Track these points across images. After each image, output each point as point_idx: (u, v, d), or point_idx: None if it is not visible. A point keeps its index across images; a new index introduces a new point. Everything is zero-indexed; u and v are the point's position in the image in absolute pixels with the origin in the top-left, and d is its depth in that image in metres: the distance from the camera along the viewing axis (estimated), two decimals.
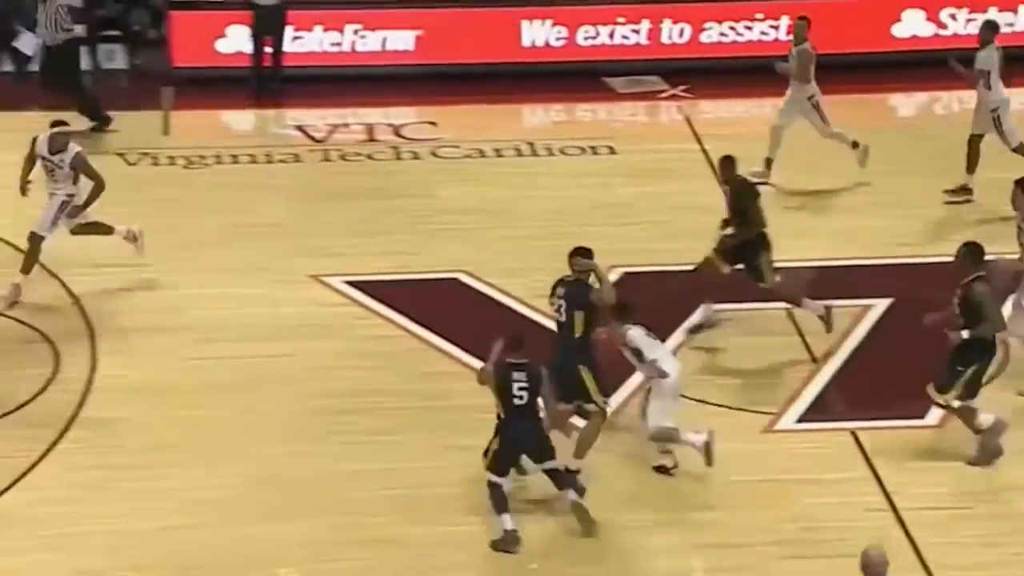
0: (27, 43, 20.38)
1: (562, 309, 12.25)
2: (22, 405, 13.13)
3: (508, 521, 11.60)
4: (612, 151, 18.69)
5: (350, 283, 15.27)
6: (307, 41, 20.69)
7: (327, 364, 13.89)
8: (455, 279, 15.48)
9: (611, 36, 21.08)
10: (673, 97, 20.34)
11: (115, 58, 21.10)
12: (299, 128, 19.44)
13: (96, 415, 13.10)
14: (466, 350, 14.08)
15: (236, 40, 20.53)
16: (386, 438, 12.85)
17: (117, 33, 21.12)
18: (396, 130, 19.37)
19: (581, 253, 12.51)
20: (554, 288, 12.39)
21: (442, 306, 14.94)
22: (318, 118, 19.66)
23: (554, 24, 21.03)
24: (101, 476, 12.29)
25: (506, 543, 11.57)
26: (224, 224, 16.53)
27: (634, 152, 18.54)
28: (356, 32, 20.76)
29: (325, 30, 20.74)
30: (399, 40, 20.80)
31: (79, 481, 12.23)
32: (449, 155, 18.68)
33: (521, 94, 20.28)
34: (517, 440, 11.69)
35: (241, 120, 20.18)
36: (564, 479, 11.83)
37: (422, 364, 14.00)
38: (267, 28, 20.29)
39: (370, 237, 16.31)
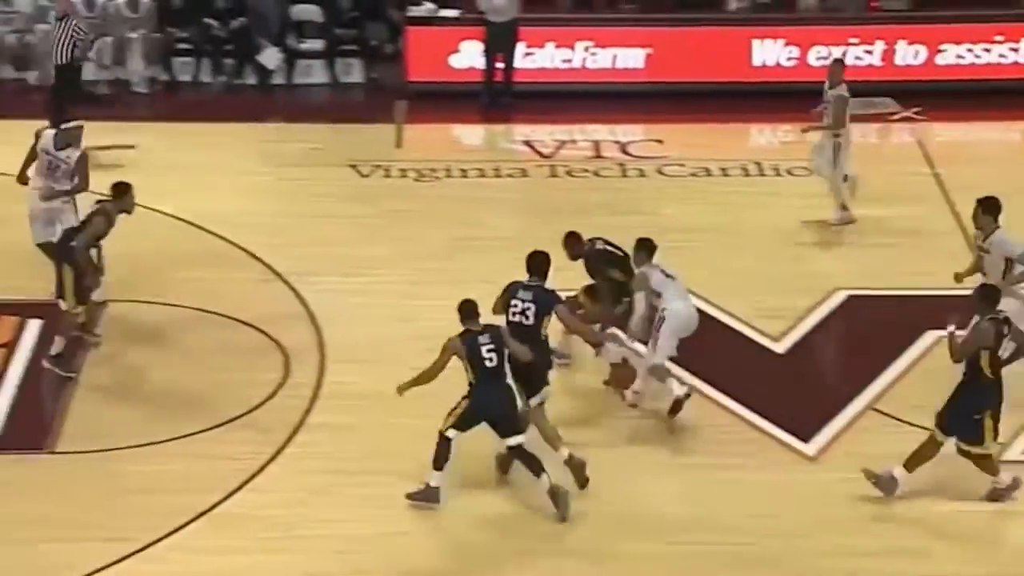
0: (270, 57, 20.97)
1: (529, 313, 12.35)
2: (252, 409, 13.49)
3: (436, 478, 12.04)
4: None
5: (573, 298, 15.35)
6: (538, 57, 20.91)
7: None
8: None
9: (844, 57, 20.85)
10: (906, 119, 20.06)
11: (352, 72, 21.58)
12: (527, 143, 19.65)
13: (324, 421, 13.42)
14: (687, 368, 14.08)
15: (469, 55, 20.85)
16: (605, 452, 12.90)
17: (355, 48, 21.59)
18: (623, 147, 19.45)
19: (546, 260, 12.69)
20: (514, 290, 12.44)
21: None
22: (546, 134, 19.84)
23: (786, 44, 20.90)
24: (328, 481, 12.58)
25: (427, 496, 12.05)
26: (451, 236, 16.80)
27: (864, 174, 18.31)
28: (587, 49, 20.91)
29: (557, 47, 20.93)
30: (629, 58, 20.89)
31: (306, 485, 12.54)
32: (675, 173, 18.69)
33: (749, 113, 20.18)
34: (485, 405, 11.95)
35: (471, 134, 20.46)
36: (527, 459, 12.04)
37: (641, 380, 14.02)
38: (499, 44, 20.56)
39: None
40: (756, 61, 20.93)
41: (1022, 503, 12.32)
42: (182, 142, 19.25)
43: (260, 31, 21.23)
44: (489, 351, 12.00)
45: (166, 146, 19.16)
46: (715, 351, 14.50)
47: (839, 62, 17.23)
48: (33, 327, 14.55)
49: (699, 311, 13.78)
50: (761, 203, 17.73)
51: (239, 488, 12.46)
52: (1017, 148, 19.81)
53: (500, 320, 12.41)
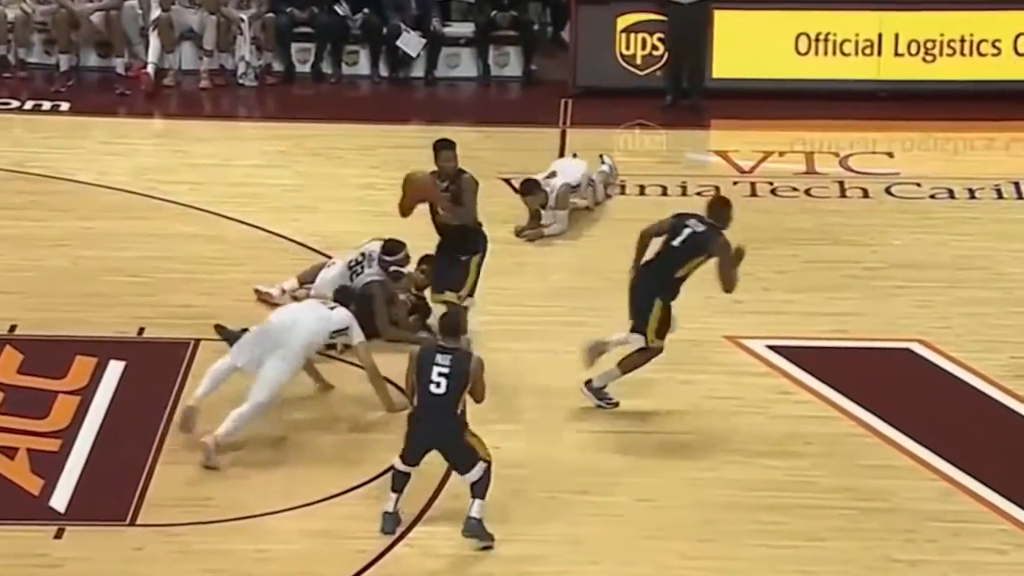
0: (411, 43, 21.18)
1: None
2: (379, 476, 13.51)
3: (390, 503, 12.82)
4: None
5: (774, 348, 15.34)
6: (737, 48, 20.89)
7: (743, 447, 14.01)
8: (908, 350, 15.42)
9: None
10: None
11: (508, 63, 21.74)
12: (721, 154, 19.67)
13: (463, 490, 13.50)
14: (917, 440, 14.01)
15: (651, 44, 20.93)
16: (814, 544, 12.85)
17: (512, 33, 21.72)
18: (842, 160, 19.39)
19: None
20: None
21: (890, 383, 14.89)
22: (746, 143, 19.86)
23: None
24: (467, 567, 12.62)
25: (383, 522, 12.79)
26: (622, 270, 16.85)
27: None
28: (800, 38, 20.86)
29: (761, 35, 20.93)
30: (853, 49, 20.81)
31: (436, 569, 12.62)
32: (908, 194, 18.58)
33: (1006, 119, 20.00)
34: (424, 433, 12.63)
35: (652, 142, 20.52)
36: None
37: (861, 455, 13.98)
38: (688, 31, 20.58)
39: (802, 293, 16.36)
40: (1021, 51, 20.69)
41: None
42: (297, 147, 19.58)
43: (397, 11, 21.49)
44: (440, 375, 12.54)
45: (275, 151, 19.51)
46: (958, 418, 14.40)
47: None
48: (114, 371, 14.88)
49: (950, 376, 14.04)
50: (1018, 234, 17.54)
51: (360, 573, 12.54)
52: None
53: None
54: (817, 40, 20.84)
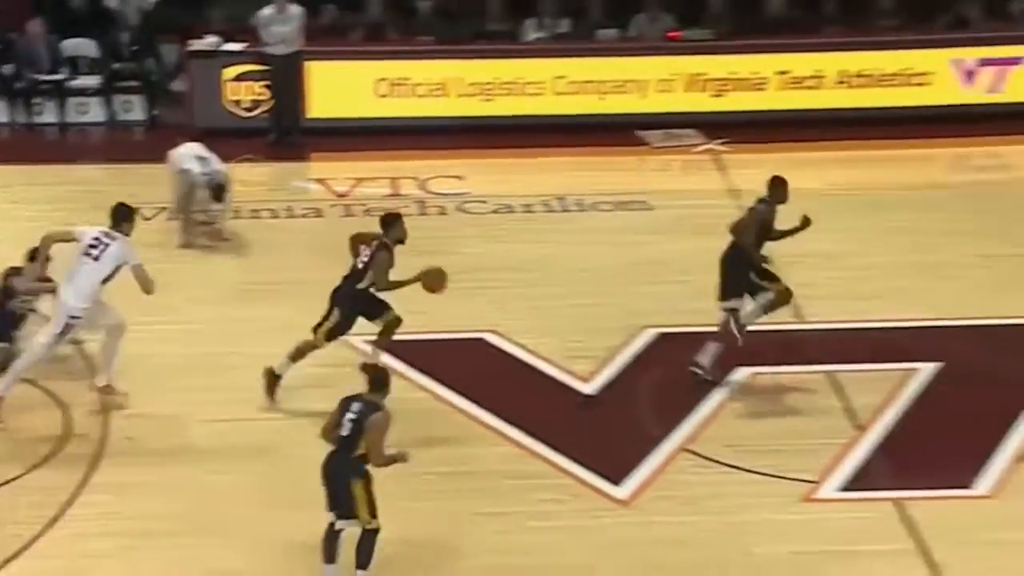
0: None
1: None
2: (31, 469, 13.29)
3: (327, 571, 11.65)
4: (646, 206, 18.87)
5: (371, 342, 15.41)
6: (328, 92, 20.96)
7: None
8: (481, 339, 15.68)
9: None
10: (709, 151, 20.53)
11: (133, 110, 21.44)
12: (320, 181, 19.71)
13: (109, 480, 13.24)
14: (492, 412, 14.27)
15: (255, 90, 20.90)
16: (410, 505, 12.92)
17: (135, 84, 21.45)
18: (421, 184, 19.62)
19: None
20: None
21: (467, 367, 15.12)
22: (340, 171, 19.92)
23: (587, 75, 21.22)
24: (114, 544, 12.41)
25: None
26: (244, 281, 16.78)
27: (668, 208, 18.73)
28: (380, 82, 21.01)
29: (348, 80, 21.04)
30: (426, 91, 21.06)
31: (91, 550, 12.36)
32: (476, 210, 18.90)
33: (552, 147, 20.48)
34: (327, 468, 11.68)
35: (260, 173, 20.43)
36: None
37: (445, 427, 14.16)
38: (284, 78, 20.62)
39: (393, 294, 16.43)
40: (559, 91, 21.18)
41: (852, 544, 12.60)
42: None
43: (30, 66, 21.02)
44: (350, 420, 11.64)
45: None
46: (524, 393, 14.71)
47: None
48: None
49: (516, 360, 14.20)
50: (565, 240, 18.00)
51: (15, 556, 12.21)
52: (820, 180, 20.27)
53: None
54: (395, 84, 21.09)
